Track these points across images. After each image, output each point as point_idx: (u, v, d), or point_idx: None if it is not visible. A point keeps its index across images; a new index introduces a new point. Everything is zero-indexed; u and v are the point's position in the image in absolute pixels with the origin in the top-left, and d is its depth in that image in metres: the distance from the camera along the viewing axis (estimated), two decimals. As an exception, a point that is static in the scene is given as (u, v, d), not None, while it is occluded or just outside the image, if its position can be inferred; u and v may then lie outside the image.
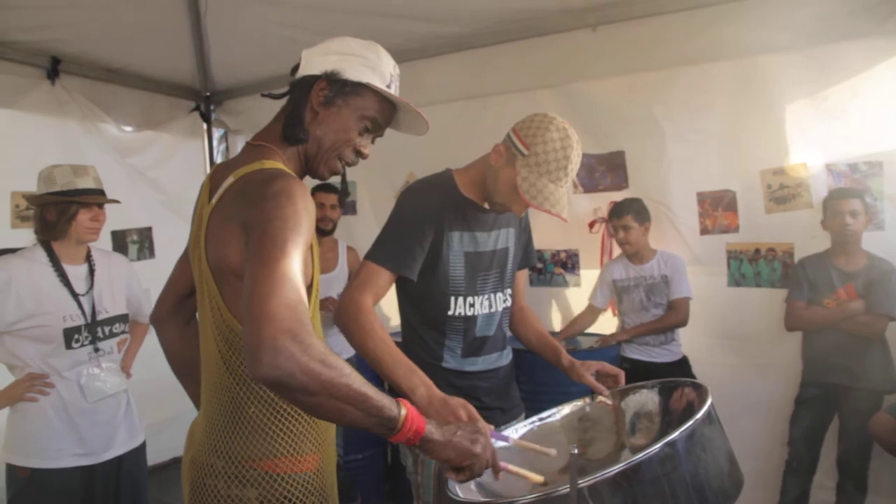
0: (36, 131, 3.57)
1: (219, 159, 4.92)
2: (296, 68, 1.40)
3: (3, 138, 3.40)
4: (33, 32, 3.43)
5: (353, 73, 1.33)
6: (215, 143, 4.91)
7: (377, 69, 1.36)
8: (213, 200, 1.26)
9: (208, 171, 4.86)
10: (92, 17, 3.47)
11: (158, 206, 4.32)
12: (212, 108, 4.78)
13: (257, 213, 1.11)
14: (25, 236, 3.22)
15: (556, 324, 3.85)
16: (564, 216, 1.72)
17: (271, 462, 1.23)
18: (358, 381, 1.01)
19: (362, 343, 1.64)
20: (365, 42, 1.39)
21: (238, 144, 4.87)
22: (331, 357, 0.98)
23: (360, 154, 1.40)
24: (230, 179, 1.25)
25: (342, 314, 1.70)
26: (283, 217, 1.09)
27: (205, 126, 4.80)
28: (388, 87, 1.38)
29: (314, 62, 1.36)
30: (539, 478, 1.35)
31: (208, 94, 4.71)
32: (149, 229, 4.29)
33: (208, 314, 1.27)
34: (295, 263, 1.05)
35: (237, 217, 1.18)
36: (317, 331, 1.32)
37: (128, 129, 4.22)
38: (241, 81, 4.56)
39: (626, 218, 3.24)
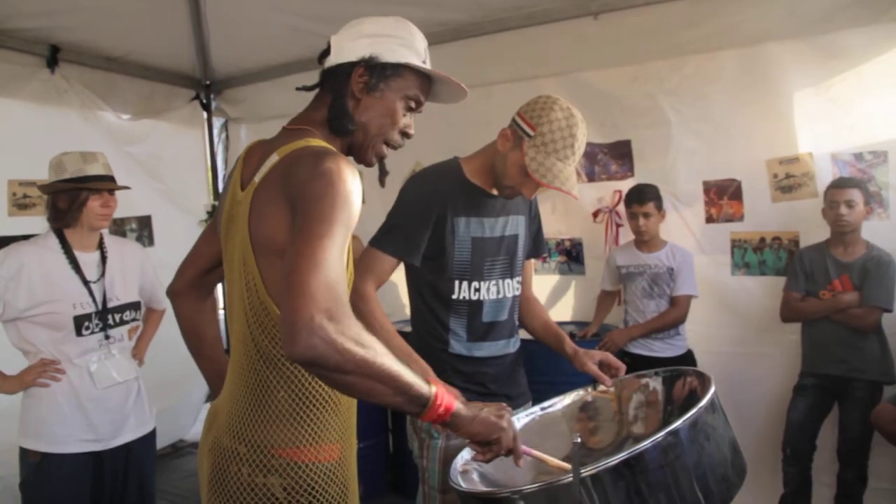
0: (34, 120, 3.56)
1: (219, 149, 4.91)
2: (323, 54, 1.36)
3: (1, 127, 3.38)
4: (32, 20, 3.41)
5: (391, 54, 1.30)
6: (215, 132, 4.88)
7: (412, 46, 1.34)
8: (258, 179, 1.22)
9: (208, 160, 4.86)
10: (91, 5, 3.45)
11: (158, 194, 4.31)
12: (212, 96, 4.76)
13: (306, 190, 1.10)
14: (23, 224, 3.25)
15: (561, 312, 3.85)
16: (574, 193, 1.74)
17: (295, 450, 1.22)
18: (392, 361, 1.03)
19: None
20: (394, 19, 1.36)
21: (239, 133, 4.85)
22: (366, 336, 1.00)
23: (406, 135, 1.39)
24: (275, 158, 1.21)
25: None
26: (332, 195, 1.08)
27: (205, 115, 4.78)
28: (424, 62, 1.36)
29: (346, 48, 1.32)
30: (566, 465, 1.34)
31: (208, 82, 4.68)
32: (148, 218, 4.29)
33: (241, 293, 1.24)
34: (339, 243, 1.05)
35: (285, 194, 1.15)
36: None
37: (127, 117, 4.20)
38: (241, 70, 4.53)
39: (649, 205, 3.20)
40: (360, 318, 1.60)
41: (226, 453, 1.25)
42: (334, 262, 1.02)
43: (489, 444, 1.22)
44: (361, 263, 1.77)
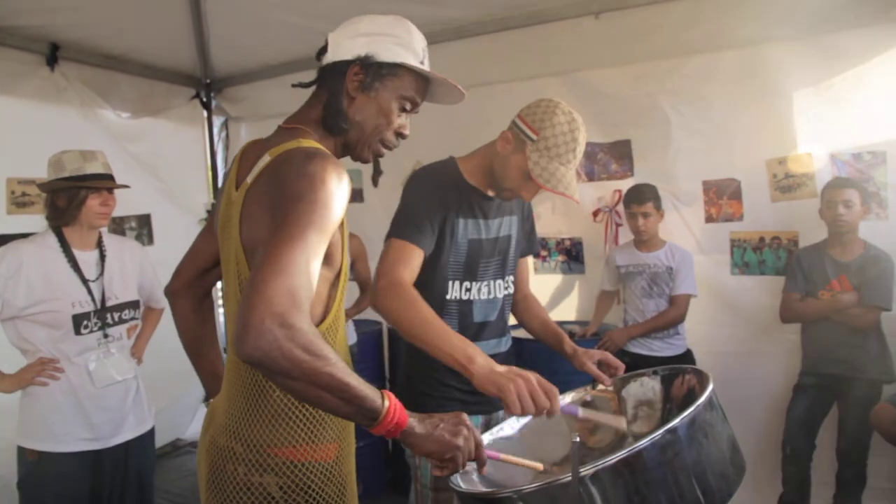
0: (33, 118, 3.55)
1: (219, 147, 4.90)
2: (321, 52, 1.35)
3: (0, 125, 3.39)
4: (32, 17, 3.40)
5: (387, 54, 1.30)
6: (215, 130, 4.87)
7: (409, 46, 1.33)
8: (250, 179, 1.22)
9: (208, 159, 4.86)
10: (91, 3, 3.44)
11: (157, 193, 4.31)
12: (212, 95, 4.75)
13: (286, 191, 1.09)
14: (21, 222, 3.25)
15: (564, 312, 3.86)
16: (576, 198, 1.74)
17: (291, 449, 1.22)
18: (342, 371, 1.00)
19: (408, 318, 1.58)
20: (392, 18, 1.34)
21: (239, 132, 4.85)
22: (317, 345, 0.98)
23: (401, 135, 1.38)
24: (267, 158, 1.22)
25: (382, 294, 1.64)
26: (310, 199, 1.06)
27: (205, 113, 4.78)
28: (422, 62, 1.35)
29: (343, 46, 1.31)
30: (538, 465, 1.34)
31: (208, 80, 4.67)
32: (147, 216, 4.29)
33: (236, 294, 1.24)
34: (312, 248, 1.03)
35: (269, 195, 1.15)
36: (340, 318, 1.30)
37: (127, 116, 4.19)
38: (241, 68, 4.53)
39: (648, 205, 3.21)
40: (404, 305, 1.59)
41: (223, 452, 1.25)
42: (301, 266, 1.00)
43: (445, 462, 1.18)
44: (389, 256, 1.74)
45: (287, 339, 0.94)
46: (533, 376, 1.37)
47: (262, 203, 1.16)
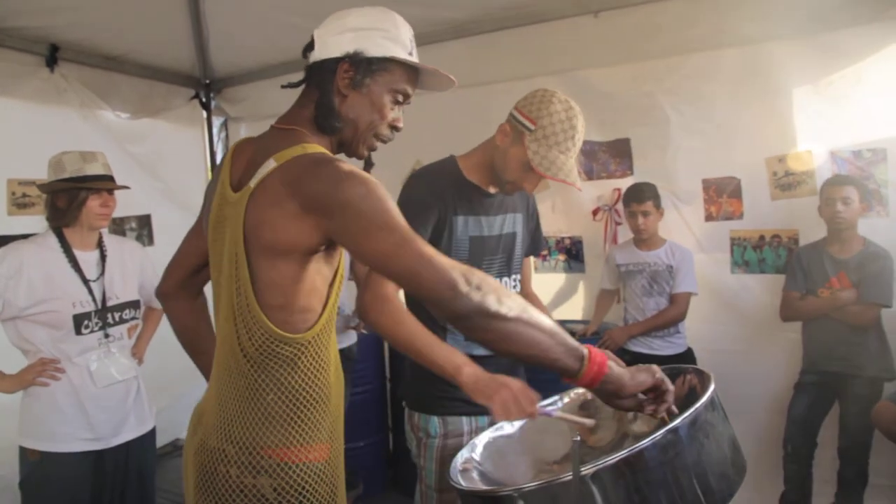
0: (33, 119, 3.55)
1: (219, 147, 4.90)
2: (307, 48, 1.33)
3: (0, 126, 3.38)
4: (32, 18, 3.40)
5: (376, 48, 1.28)
6: (215, 130, 4.87)
7: (397, 39, 1.31)
8: (253, 183, 1.20)
9: (208, 159, 4.85)
10: (91, 4, 3.44)
11: (157, 194, 4.31)
12: (211, 95, 4.74)
13: (338, 197, 1.13)
14: (22, 223, 3.25)
15: (564, 310, 3.86)
16: (578, 185, 1.76)
17: (285, 451, 1.22)
18: (536, 310, 1.15)
19: (394, 332, 1.61)
20: (378, 10, 1.32)
21: (239, 132, 4.84)
22: (505, 288, 1.13)
23: (395, 128, 1.38)
24: (272, 163, 1.20)
25: (368, 310, 1.64)
26: (365, 192, 1.13)
27: (204, 114, 4.77)
28: (410, 53, 1.33)
29: (330, 43, 1.28)
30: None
31: (208, 81, 4.66)
32: (147, 217, 4.29)
33: (229, 298, 1.23)
34: (406, 224, 1.14)
35: (297, 200, 1.15)
36: (334, 315, 1.31)
37: (126, 116, 4.19)
38: (241, 69, 4.52)
39: (648, 203, 3.21)
40: (391, 320, 1.61)
41: (213, 454, 1.24)
42: (418, 238, 1.13)
43: (654, 391, 1.28)
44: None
45: (485, 284, 1.11)
46: (516, 385, 1.41)
47: (285, 207, 1.16)
